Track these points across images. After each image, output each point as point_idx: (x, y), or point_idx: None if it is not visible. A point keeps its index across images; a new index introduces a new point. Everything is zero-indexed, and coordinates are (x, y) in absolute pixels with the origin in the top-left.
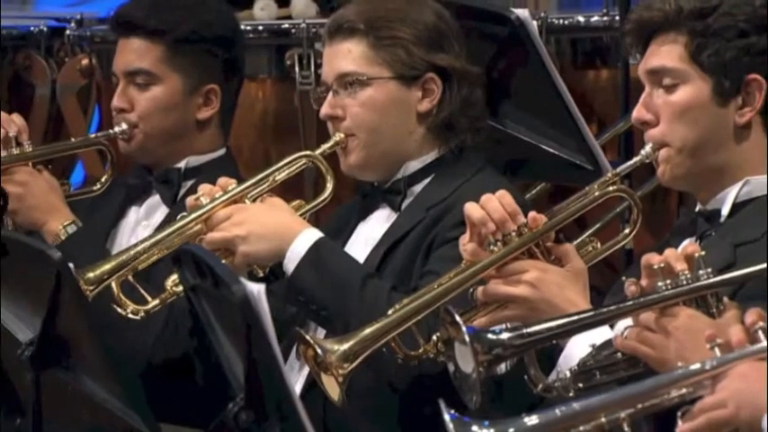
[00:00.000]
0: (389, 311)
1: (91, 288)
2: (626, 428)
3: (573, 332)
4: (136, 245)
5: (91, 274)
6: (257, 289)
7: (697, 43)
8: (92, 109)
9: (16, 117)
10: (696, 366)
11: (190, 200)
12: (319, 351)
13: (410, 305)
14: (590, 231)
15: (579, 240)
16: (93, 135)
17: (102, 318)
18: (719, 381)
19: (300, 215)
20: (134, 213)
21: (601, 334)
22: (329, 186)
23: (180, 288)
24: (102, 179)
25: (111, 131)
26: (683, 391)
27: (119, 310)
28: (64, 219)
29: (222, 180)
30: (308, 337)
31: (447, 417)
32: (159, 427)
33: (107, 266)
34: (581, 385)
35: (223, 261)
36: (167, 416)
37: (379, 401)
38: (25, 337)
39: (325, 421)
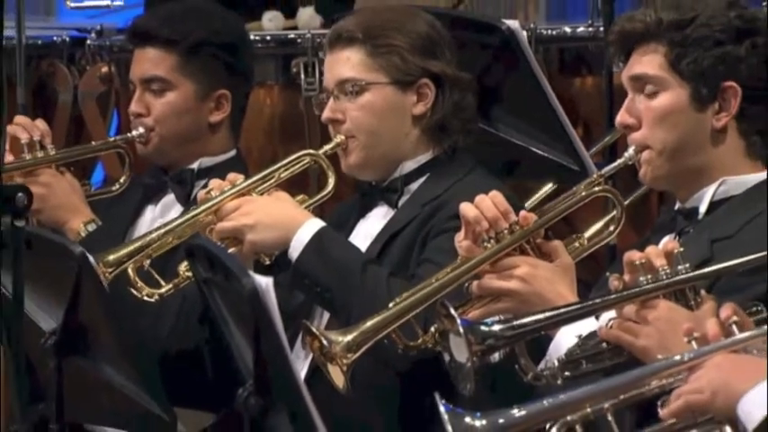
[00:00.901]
0: (390, 305)
1: (109, 270)
2: (609, 417)
3: (561, 323)
4: (151, 232)
5: (110, 258)
6: (265, 282)
7: (676, 53)
8: (111, 114)
9: (40, 122)
10: (675, 358)
11: (201, 193)
12: (325, 342)
13: (409, 299)
14: (591, 232)
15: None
16: (111, 138)
17: (120, 303)
18: (696, 371)
19: (304, 208)
20: (150, 212)
21: (587, 325)
22: (331, 182)
23: (191, 273)
24: (121, 180)
25: (128, 135)
26: (663, 381)
27: (134, 292)
28: (85, 218)
29: (231, 175)
30: (313, 329)
31: (442, 408)
32: (174, 410)
33: (124, 251)
34: (568, 374)
35: (231, 249)
36: (181, 400)
37: (380, 388)
38: (48, 326)
39: (328, 405)
